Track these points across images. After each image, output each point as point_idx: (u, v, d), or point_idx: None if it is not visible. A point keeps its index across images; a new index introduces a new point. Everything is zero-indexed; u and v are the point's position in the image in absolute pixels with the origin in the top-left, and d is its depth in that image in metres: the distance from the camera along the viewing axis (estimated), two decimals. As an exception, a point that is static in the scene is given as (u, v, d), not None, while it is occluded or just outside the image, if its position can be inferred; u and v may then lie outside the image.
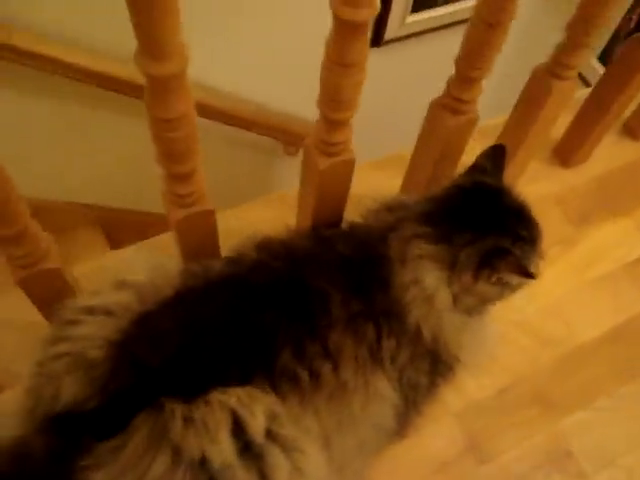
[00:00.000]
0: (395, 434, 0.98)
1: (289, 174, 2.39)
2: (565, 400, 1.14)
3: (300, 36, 1.80)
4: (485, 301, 0.92)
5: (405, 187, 1.17)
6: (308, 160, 0.93)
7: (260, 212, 1.21)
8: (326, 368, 0.84)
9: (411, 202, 0.96)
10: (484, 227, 0.87)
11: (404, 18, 2.18)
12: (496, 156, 0.97)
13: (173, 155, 0.75)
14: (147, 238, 1.19)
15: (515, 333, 1.19)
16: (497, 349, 1.07)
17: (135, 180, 2.00)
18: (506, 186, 0.93)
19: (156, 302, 0.86)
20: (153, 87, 0.65)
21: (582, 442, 1.10)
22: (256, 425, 0.77)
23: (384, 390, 0.90)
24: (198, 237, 0.90)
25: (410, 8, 2.16)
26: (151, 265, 0.92)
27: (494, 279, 0.86)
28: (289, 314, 0.85)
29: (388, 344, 0.91)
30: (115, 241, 2.24)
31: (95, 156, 1.96)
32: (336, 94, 0.80)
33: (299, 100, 2.02)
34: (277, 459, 0.78)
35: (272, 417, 0.79)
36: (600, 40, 2.04)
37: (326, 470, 0.86)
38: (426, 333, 0.91)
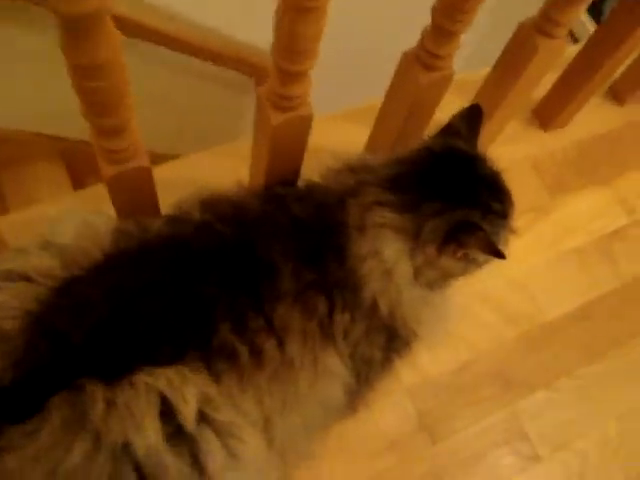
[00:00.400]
0: (345, 410, 0.92)
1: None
2: (526, 379, 1.09)
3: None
4: (448, 276, 0.85)
5: (371, 144, 1.07)
6: (261, 113, 0.83)
7: (211, 164, 1.10)
8: (270, 344, 0.77)
9: (376, 164, 0.88)
10: (453, 197, 0.80)
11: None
12: (472, 118, 0.89)
13: (97, 108, 0.65)
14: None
15: (478, 307, 1.12)
16: (458, 324, 1.02)
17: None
18: (480, 153, 0.85)
19: (82, 267, 0.78)
20: (66, 29, 0.54)
21: (539, 424, 1.06)
22: (187, 410, 0.71)
23: (334, 367, 0.84)
24: (133, 195, 0.80)
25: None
26: (80, 222, 0.82)
27: (460, 254, 0.80)
28: (232, 284, 0.78)
29: (341, 318, 0.84)
30: (78, 180, 2.11)
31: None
32: (291, 43, 0.69)
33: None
34: (211, 445, 0.72)
35: (206, 400, 0.73)
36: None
37: (266, 454, 0.80)
38: (383, 307, 0.85)
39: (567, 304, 1.15)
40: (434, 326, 0.92)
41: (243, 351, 0.75)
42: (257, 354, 0.76)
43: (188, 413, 0.70)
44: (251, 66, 2.01)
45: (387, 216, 0.80)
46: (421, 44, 0.85)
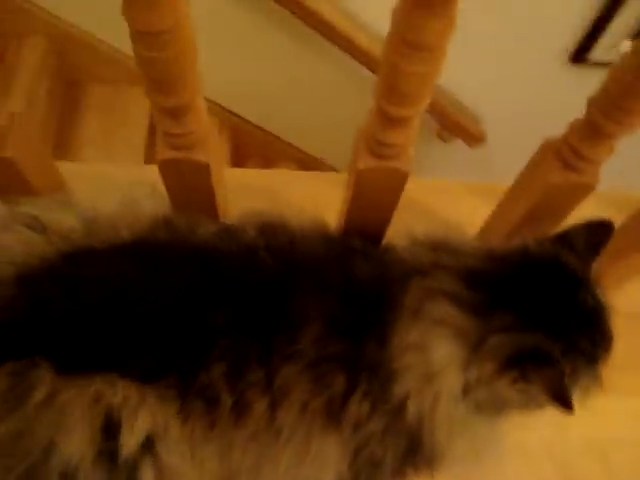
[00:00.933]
0: None
1: (432, 160, 2.16)
2: None
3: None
4: (502, 406, 0.70)
5: (485, 228, 0.92)
6: (354, 153, 0.71)
7: (309, 188, 1.00)
8: (260, 404, 0.67)
9: (463, 249, 0.74)
10: (535, 317, 0.65)
11: (618, 43, 1.82)
12: (596, 234, 0.73)
13: (157, 81, 0.57)
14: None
15: (536, 453, 0.92)
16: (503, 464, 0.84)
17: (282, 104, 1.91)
18: (589, 278, 0.68)
19: (104, 241, 0.71)
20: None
21: None
22: (130, 437, 0.62)
23: (330, 456, 0.72)
24: (186, 188, 0.72)
25: (631, 33, 1.78)
26: (127, 196, 0.76)
27: (520, 385, 0.65)
28: (246, 323, 0.68)
29: (358, 407, 0.71)
30: (238, 161, 2.15)
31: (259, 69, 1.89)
32: (398, 82, 0.57)
33: (472, 85, 1.84)
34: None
35: (159, 434, 0.64)
36: None
37: None
38: (412, 412, 0.71)
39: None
40: (466, 456, 0.76)
41: (226, 401, 0.66)
42: (241, 409, 0.66)
43: (128, 440, 0.61)
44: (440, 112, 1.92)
45: (450, 311, 0.67)
46: (565, 137, 0.69)
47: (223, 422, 0.66)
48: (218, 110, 2.08)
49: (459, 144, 2.13)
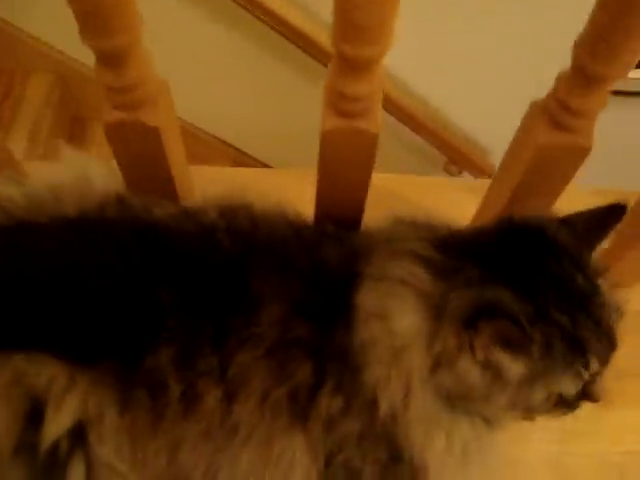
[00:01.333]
0: None
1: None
2: None
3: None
4: (468, 393, 0.60)
5: (478, 216, 0.84)
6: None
7: (288, 183, 0.94)
8: (213, 395, 0.59)
9: (443, 226, 0.66)
10: (505, 278, 0.58)
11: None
12: (603, 218, 0.64)
13: (90, 16, 0.52)
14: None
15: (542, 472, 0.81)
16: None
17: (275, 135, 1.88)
18: (582, 256, 0.59)
19: (47, 215, 0.65)
20: None
21: None
22: (55, 424, 0.55)
23: (298, 460, 0.63)
24: (137, 158, 0.66)
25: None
26: (80, 172, 0.70)
27: (480, 354, 0.56)
28: (198, 304, 0.61)
29: (328, 402, 0.63)
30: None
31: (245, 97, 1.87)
32: (351, 13, 0.51)
33: (480, 116, 1.81)
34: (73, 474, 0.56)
35: (91, 422, 0.56)
36: None
37: None
38: (383, 404, 0.62)
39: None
40: (449, 462, 0.65)
41: (174, 390, 0.58)
42: (191, 400, 0.59)
43: (52, 427, 0.54)
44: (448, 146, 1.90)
45: (415, 272, 0.59)
46: (553, 91, 0.62)
47: (171, 414, 0.59)
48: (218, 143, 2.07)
49: (467, 177, 2.07)
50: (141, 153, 0.64)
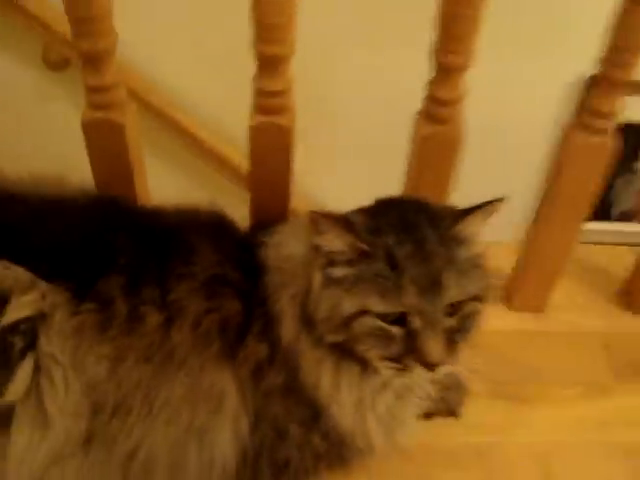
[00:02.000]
0: None
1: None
2: None
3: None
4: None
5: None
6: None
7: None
8: (154, 318, 0.71)
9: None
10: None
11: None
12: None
13: (80, 22, 0.73)
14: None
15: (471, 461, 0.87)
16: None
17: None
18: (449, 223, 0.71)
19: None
20: None
21: None
22: (14, 310, 0.66)
23: (226, 395, 0.72)
24: (108, 154, 0.83)
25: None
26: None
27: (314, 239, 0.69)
28: (145, 250, 0.75)
29: (255, 347, 0.74)
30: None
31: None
32: (261, 15, 0.73)
33: None
34: (23, 364, 0.66)
35: (45, 315, 0.67)
36: None
37: (77, 431, 0.68)
38: (285, 340, 0.74)
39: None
40: (359, 411, 0.75)
41: (121, 309, 0.70)
42: (135, 321, 0.70)
43: (13, 312, 0.66)
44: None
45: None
46: (425, 88, 0.82)
47: (116, 328, 0.69)
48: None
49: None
50: (109, 148, 0.82)
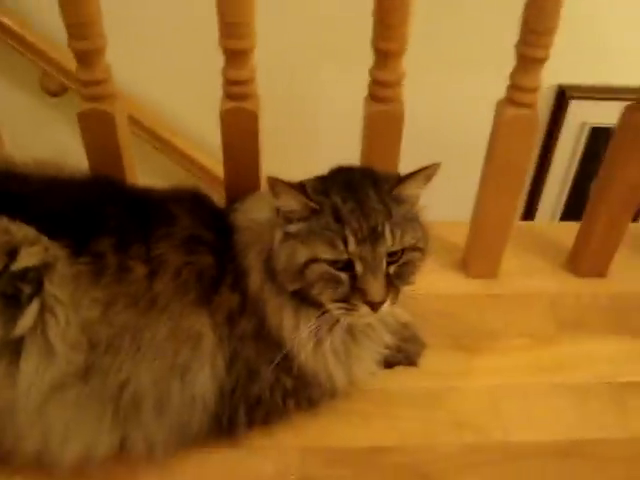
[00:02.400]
0: (214, 421, 0.86)
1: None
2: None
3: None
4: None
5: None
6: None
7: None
8: (140, 270, 0.82)
9: None
10: None
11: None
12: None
13: (73, 26, 0.88)
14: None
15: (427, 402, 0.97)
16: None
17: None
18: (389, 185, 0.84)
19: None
20: None
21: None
22: (25, 258, 0.77)
23: (205, 340, 0.83)
24: (101, 144, 0.97)
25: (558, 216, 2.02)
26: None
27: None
28: (134, 218, 0.87)
29: (228, 296, 0.86)
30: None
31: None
32: (225, 11, 0.87)
33: None
34: (30, 305, 0.76)
35: (49, 265, 0.78)
36: None
37: (78, 364, 0.79)
38: (252, 290, 0.86)
39: (544, 435, 0.93)
40: (317, 348, 0.86)
41: (111, 262, 0.81)
42: (124, 271, 0.81)
43: (22, 260, 0.77)
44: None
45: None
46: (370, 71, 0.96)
47: (108, 276, 0.80)
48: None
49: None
50: (101, 136, 0.96)
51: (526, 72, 0.93)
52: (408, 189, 0.82)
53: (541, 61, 0.91)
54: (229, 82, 0.93)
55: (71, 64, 0.94)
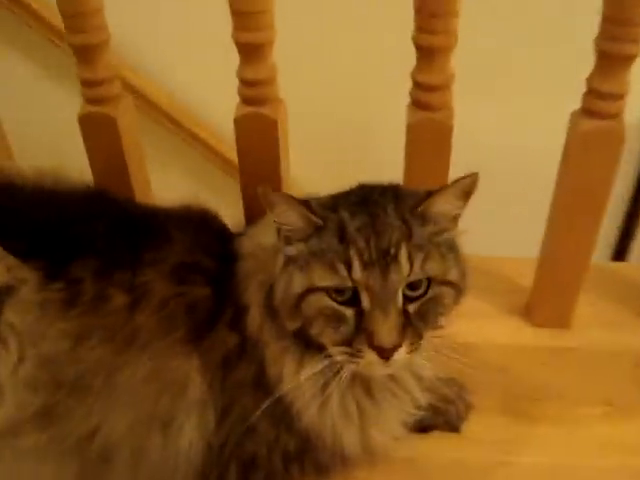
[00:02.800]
0: None
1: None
2: None
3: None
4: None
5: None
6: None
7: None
8: (120, 299, 0.71)
9: None
10: None
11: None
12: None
13: (70, 17, 0.77)
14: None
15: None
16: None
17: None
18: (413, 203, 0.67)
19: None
20: None
21: None
22: None
23: (191, 383, 0.70)
24: (104, 151, 0.86)
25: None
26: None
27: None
28: (125, 239, 0.76)
29: (226, 335, 0.72)
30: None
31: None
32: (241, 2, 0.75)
33: None
34: None
35: (10, 291, 0.68)
36: None
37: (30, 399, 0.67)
38: (250, 330, 0.72)
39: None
40: (323, 405, 0.71)
41: (89, 289, 0.70)
42: (101, 300, 0.70)
43: None
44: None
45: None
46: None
47: (81, 306, 0.69)
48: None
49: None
50: (103, 142, 0.85)
51: (608, 74, 0.74)
52: (438, 205, 0.65)
53: (628, 59, 0.72)
54: (244, 83, 0.79)
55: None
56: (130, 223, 0.77)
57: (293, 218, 0.64)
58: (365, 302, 0.61)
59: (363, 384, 0.71)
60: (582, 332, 0.95)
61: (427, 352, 0.67)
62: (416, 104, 0.79)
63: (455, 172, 0.69)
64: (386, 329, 0.60)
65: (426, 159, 0.81)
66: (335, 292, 0.62)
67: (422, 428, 0.82)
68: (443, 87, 0.77)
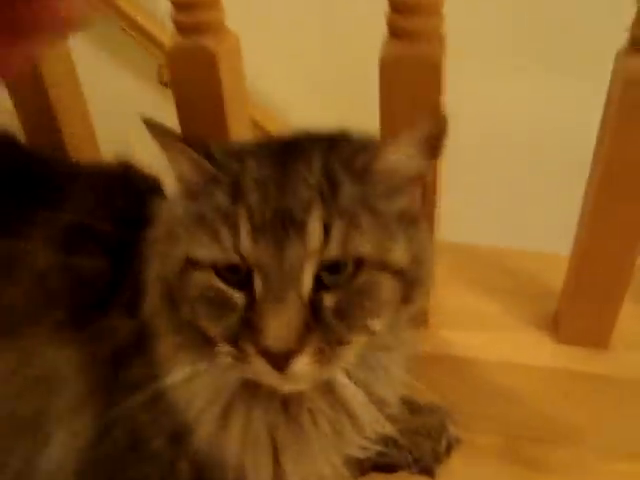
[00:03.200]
0: None
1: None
2: None
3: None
4: None
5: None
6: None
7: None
8: None
9: None
10: None
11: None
12: None
13: None
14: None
15: None
16: None
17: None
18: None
19: None
20: None
21: None
22: None
23: (66, 389, 0.54)
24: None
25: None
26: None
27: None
28: (16, 195, 0.61)
29: (118, 323, 0.55)
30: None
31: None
32: None
33: None
34: None
35: None
36: None
37: None
38: (144, 316, 0.55)
39: None
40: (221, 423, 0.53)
41: None
42: None
43: None
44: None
45: None
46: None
47: None
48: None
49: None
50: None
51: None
52: (387, 159, 0.47)
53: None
54: (177, 6, 0.62)
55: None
56: (31, 176, 0.63)
57: (185, 165, 0.48)
58: (258, 285, 0.43)
59: (280, 400, 0.51)
60: (622, 355, 0.71)
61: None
62: (393, 32, 0.58)
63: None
64: (276, 326, 0.42)
65: (406, 108, 0.60)
66: (226, 269, 0.45)
67: (384, 466, 0.61)
68: (429, 6, 0.56)
